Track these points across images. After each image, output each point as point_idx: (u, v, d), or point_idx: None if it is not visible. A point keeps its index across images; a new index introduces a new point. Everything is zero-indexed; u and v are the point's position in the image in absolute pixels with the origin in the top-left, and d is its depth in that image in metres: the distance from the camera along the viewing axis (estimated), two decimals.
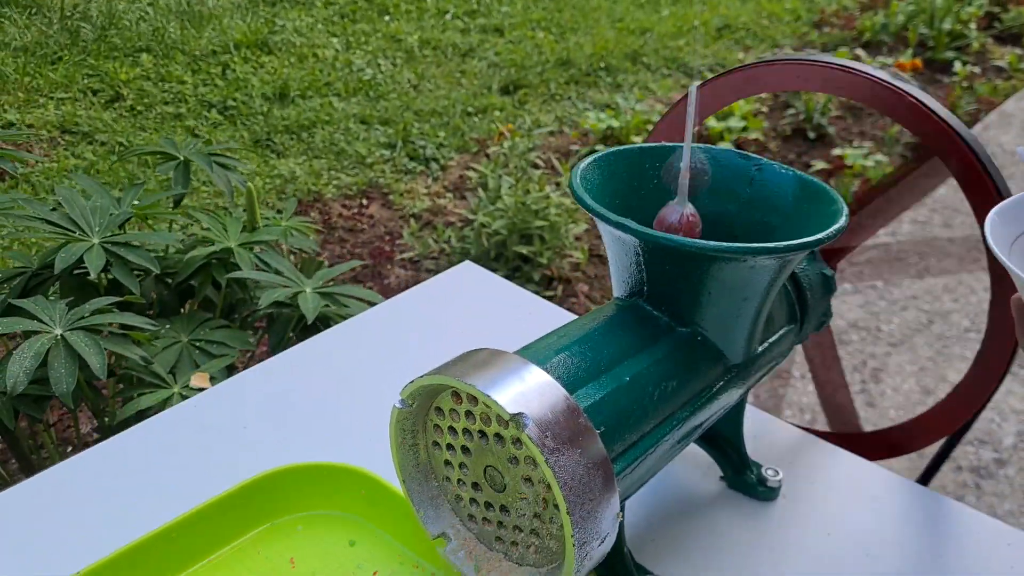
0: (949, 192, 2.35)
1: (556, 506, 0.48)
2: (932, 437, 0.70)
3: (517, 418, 0.45)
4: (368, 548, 0.60)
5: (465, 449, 0.52)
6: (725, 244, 0.51)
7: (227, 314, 1.32)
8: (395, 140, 2.82)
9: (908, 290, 1.87)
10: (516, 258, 2.09)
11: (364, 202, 2.51)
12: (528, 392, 0.47)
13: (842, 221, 0.54)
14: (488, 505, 0.52)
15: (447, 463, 0.53)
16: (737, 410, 0.65)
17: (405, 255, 2.27)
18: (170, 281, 1.29)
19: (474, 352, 0.50)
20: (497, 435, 0.49)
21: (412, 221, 2.35)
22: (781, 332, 0.63)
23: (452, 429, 0.52)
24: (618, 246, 0.57)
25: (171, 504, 0.59)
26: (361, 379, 0.77)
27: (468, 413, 0.50)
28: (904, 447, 0.72)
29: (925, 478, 0.72)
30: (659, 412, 0.53)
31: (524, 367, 0.48)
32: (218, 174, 1.38)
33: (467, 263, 0.94)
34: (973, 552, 0.63)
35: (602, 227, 0.57)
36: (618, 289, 0.59)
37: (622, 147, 0.62)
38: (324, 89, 3.10)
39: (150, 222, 1.34)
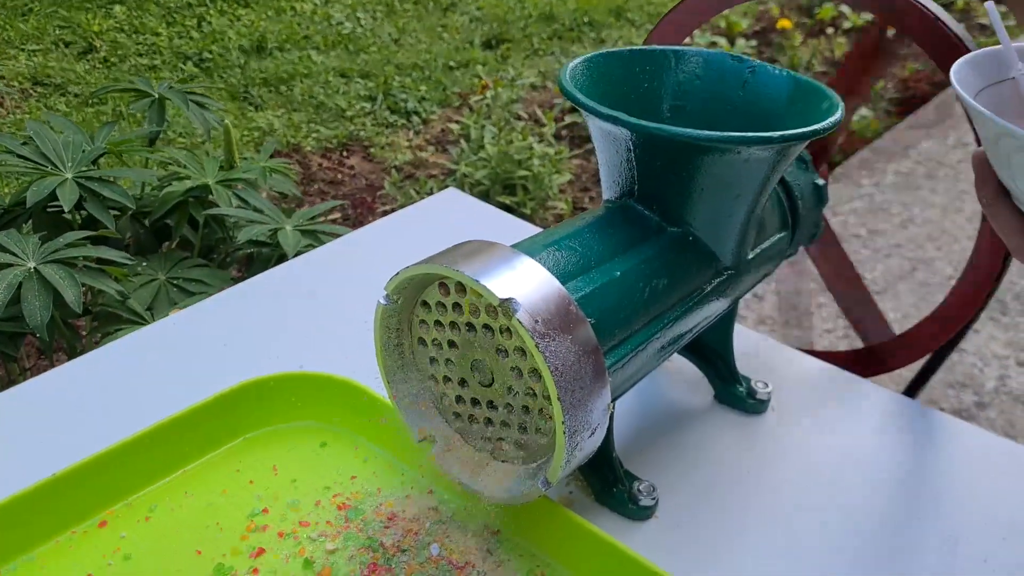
0: (933, 145, 2.35)
1: (546, 397, 0.47)
2: (919, 352, 0.70)
3: (507, 303, 0.44)
4: (343, 453, 0.59)
5: (452, 343, 0.50)
6: (721, 133, 0.50)
7: (205, 254, 1.30)
8: (376, 93, 2.78)
9: (892, 239, 1.87)
10: (499, 208, 2.06)
11: (344, 155, 2.48)
12: (518, 279, 0.45)
13: (837, 115, 0.53)
14: (475, 402, 0.51)
15: (432, 360, 0.52)
16: (727, 320, 0.64)
17: (387, 207, 2.24)
18: (146, 221, 1.26)
19: (463, 243, 0.49)
20: (485, 326, 0.48)
21: (394, 172, 2.32)
22: (773, 239, 0.61)
23: (439, 323, 0.50)
24: (608, 144, 0.55)
25: (147, 417, 0.57)
26: (342, 297, 0.75)
27: (456, 305, 0.49)
28: (892, 362, 0.71)
29: (911, 390, 0.72)
30: (649, 310, 0.52)
31: (514, 256, 0.47)
32: (194, 112, 1.35)
33: (451, 189, 0.93)
34: (962, 461, 0.62)
35: (593, 124, 0.55)
36: (608, 191, 0.58)
37: (613, 49, 0.61)
38: (303, 42, 3.05)
39: (124, 158, 1.31)
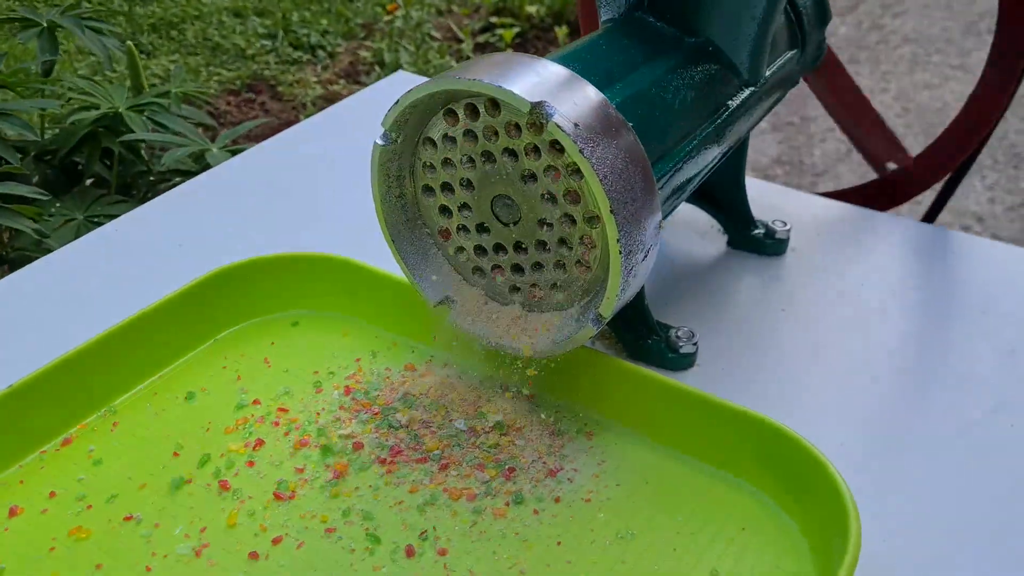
0: (850, 31, 2.34)
1: (589, 219, 0.41)
2: (936, 175, 0.66)
3: (538, 109, 0.38)
4: (342, 337, 0.52)
5: (466, 184, 0.44)
6: None
7: (123, 191, 1.19)
8: (275, 31, 2.63)
9: (824, 124, 1.86)
10: None
11: (251, 95, 2.34)
12: (546, 83, 0.39)
13: None
14: (498, 248, 0.45)
15: (443, 210, 0.45)
16: (739, 157, 0.59)
17: None
18: (52, 159, 1.14)
19: (471, 60, 0.42)
20: (507, 151, 0.41)
21: (310, 105, 2.20)
22: (785, 58, 0.56)
23: (447, 162, 0.44)
24: None
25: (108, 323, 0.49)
26: (306, 183, 0.67)
27: (468, 134, 0.42)
28: (909, 190, 0.67)
29: (930, 217, 0.68)
30: (681, 125, 0.46)
31: (537, 62, 0.40)
32: (90, 39, 1.22)
33: (400, 72, 0.85)
34: (999, 277, 0.59)
35: None
36: (609, 10, 0.51)
37: None
38: None
39: (19, 90, 1.18)
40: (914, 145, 1.84)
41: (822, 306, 0.57)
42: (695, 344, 0.51)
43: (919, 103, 1.99)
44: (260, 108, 2.28)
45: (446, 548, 0.40)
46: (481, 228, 0.45)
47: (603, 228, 0.40)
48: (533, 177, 0.41)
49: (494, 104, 0.40)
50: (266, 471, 0.44)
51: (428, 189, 0.45)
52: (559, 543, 0.40)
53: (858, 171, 1.72)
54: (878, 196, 0.68)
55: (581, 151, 0.37)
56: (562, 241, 0.42)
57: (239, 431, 0.46)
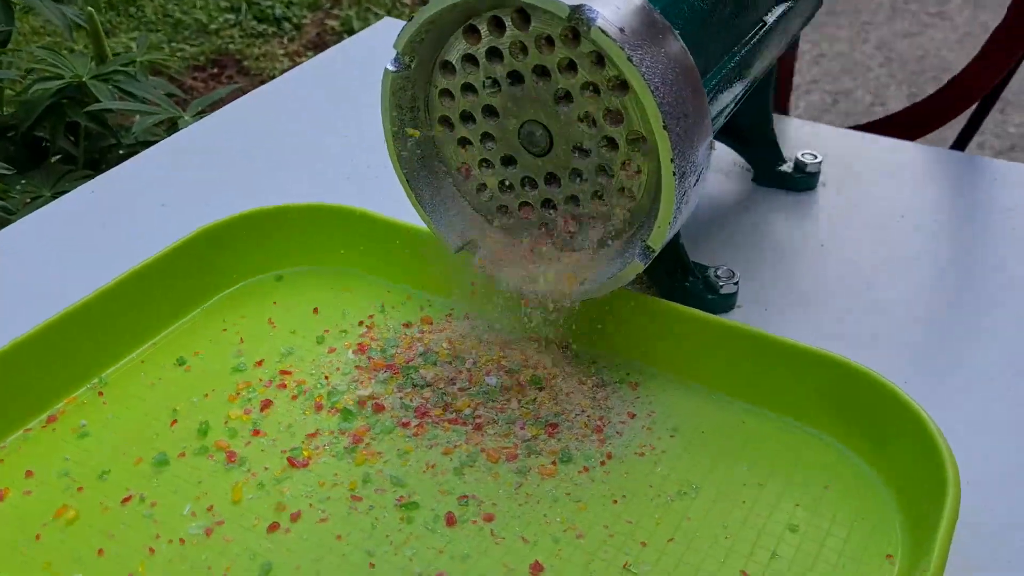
0: None
1: (633, 141, 0.37)
2: (966, 103, 0.62)
3: (579, 13, 0.33)
4: (350, 294, 0.47)
5: (489, 111, 0.39)
6: None
7: (93, 166, 1.13)
8: (238, 4, 2.54)
9: (808, 75, 1.83)
10: None
11: (217, 71, 2.26)
12: None
13: None
14: (527, 182, 0.40)
15: (463, 142, 0.41)
16: (764, 88, 0.55)
17: None
18: (14, 135, 1.07)
19: None
20: (538, 69, 0.37)
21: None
22: None
23: (468, 88, 0.39)
24: None
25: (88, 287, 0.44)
26: (301, 133, 0.63)
27: (492, 53, 0.37)
28: (940, 116, 0.64)
29: (960, 144, 0.65)
30: (723, 37, 0.42)
31: None
32: (48, 8, 1.15)
33: (387, 19, 0.80)
34: None
35: None
36: None
37: None
38: None
39: None
40: (898, 94, 1.82)
41: (863, 240, 0.53)
42: (736, 283, 0.47)
43: (900, 52, 1.96)
44: (228, 82, 2.20)
45: (492, 513, 0.36)
46: (507, 161, 0.40)
47: (651, 150, 0.36)
48: (568, 98, 0.37)
49: (522, 16, 0.36)
50: (278, 437, 0.39)
51: (445, 121, 0.41)
52: (615, 501, 0.36)
53: (844, 121, 1.69)
54: (910, 122, 0.64)
55: (630, 59, 0.33)
56: (601, 169, 0.38)
57: (242, 396, 0.41)
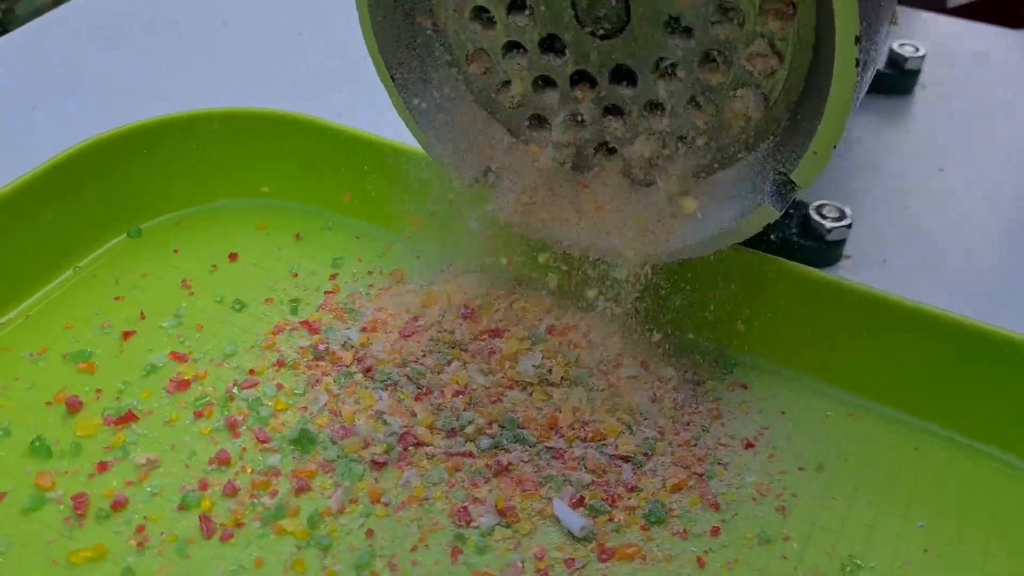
0: None
1: (771, 11, 0.22)
2: None
3: None
4: (307, 244, 0.33)
5: None
6: None
7: None
8: None
9: None
10: None
11: None
12: None
13: None
14: (580, 78, 0.26)
15: (478, 15, 0.26)
16: None
17: None
18: None
19: None
20: None
21: None
22: None
23: None
24: None
25: None
26: (232, 24, 0.47)
27: None
28: None
29: None
30: None
31: None
32: None
33: None
34: None
35: None
36: None
37: None
38: None
39: None
40: None
41: (988, 158, 0.40)
42: (849, 226, 0.33)
43: None
44: None
45: None
46: (547, 45, 0.26)
47: (800, 26, 0.22)
48: None
49: None
50: (165, 491, 0.25)
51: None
52: None
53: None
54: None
55: None
56: (708, 57, 0.24)
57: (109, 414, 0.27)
